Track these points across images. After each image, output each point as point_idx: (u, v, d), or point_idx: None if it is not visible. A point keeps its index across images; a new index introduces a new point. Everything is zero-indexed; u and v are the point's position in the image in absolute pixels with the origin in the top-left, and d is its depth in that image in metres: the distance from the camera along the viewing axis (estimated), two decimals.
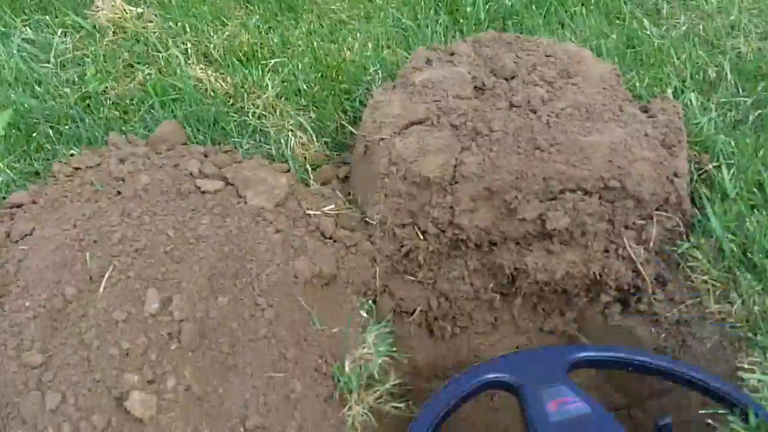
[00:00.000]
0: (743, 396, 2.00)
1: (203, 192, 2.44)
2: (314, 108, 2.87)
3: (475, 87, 2.58)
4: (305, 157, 2.72)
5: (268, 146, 2.73)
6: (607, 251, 2.41)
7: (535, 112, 2.44)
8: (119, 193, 2.45)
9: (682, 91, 2.84)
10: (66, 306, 2.06)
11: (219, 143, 2.76)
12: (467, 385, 2.06)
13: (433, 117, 2.46)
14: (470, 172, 2.32)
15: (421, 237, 2.42)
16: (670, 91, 2.81)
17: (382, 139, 2.43)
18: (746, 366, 2.12)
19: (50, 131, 2.79)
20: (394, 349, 2.31)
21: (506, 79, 2.61)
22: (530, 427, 1.95)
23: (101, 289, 2.09)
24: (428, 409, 1.99)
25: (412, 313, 2.56)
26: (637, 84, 2.86)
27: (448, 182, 2.34)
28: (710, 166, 2.54)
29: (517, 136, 2.37)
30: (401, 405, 2.20)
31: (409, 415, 2.23)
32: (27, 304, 2.07)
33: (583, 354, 2.15)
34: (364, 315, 2.34)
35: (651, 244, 2.39)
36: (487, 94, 2.55)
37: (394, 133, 2.44)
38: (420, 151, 2.37)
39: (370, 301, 2.43)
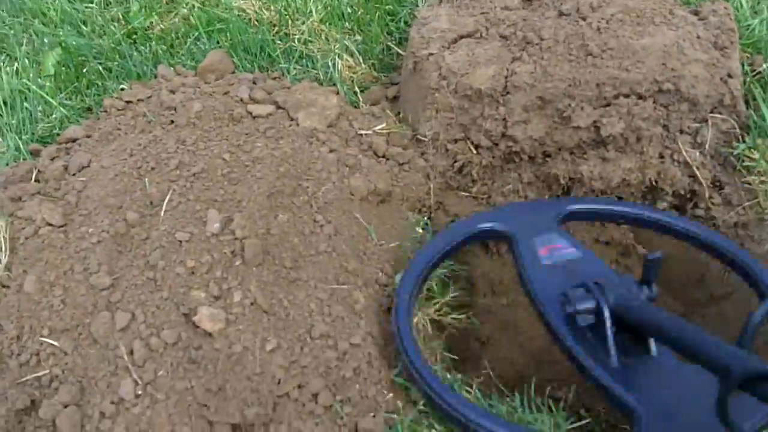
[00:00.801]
0: (741, 252, 2.05)
1: (255, 116, 2.46)
2: (359, 30, 2.86)
3: None
4: (353, 80, 2.72)
5: (315, 71, 2.74)
6: (662, 156, 2.39)
7: (585, 19, 2.40)
8: (172, 122, 2.48)
9: None
10: (129, 230, 2.10)
11: (267, 70, 2.77)
12: (460, 233, 2.12)
13: (481, 29, 2.45)
14: (522, 82, 2.30)
15: (474, 151, 2.42)
16: None
17: (431, 54, 2.41)
18: None
19: (99, 68, 2.82)
20: (451, 263, 2.32)
21: None
22: (522, 270, 1.98)
23: (162, 213, 2.13)
24: (421, 255, 2.04)
25: None
26: None
27: (500, 93, 2.33)
28: (764, 67, 2.48)
29: (568, 43, 2.34)
30: (461, 316, 2.22)
31: (467, 326, 2.26)
32: (90, 230, 2.12)
33: (576, 206, 2.20)
34: (420, 231, 2.35)
35: (706, 147, 2.36)
36: (535, 4, 2.53)
37: (443, 47, 2.42)
38: (470, 64, 2.35)
39: (425, 218, 2.44)
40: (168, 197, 2.17)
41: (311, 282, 2.00)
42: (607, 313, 1.69)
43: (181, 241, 2.04)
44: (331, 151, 2.34)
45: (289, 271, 1.99)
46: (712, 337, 1.40)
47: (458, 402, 1.69)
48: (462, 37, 2.44)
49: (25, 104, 2.68)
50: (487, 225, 2.14)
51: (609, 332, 1.69)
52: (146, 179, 2.24)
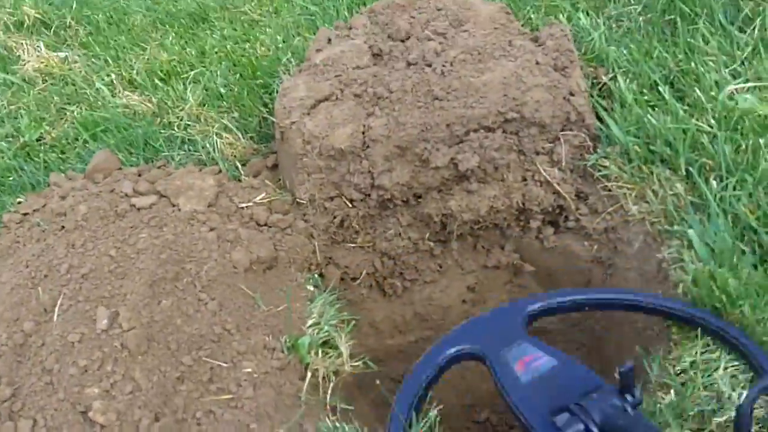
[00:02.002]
0: (706, 313, 2.02)
1: (139, 209, 2.57)
2: (236, 108, 3.00)
3: (373, 54, 2.70)
4: (234, 155, 2.85)
5: (198, 153, 2.87)
6: (524, 179, 2.53)
7: (430, 65, 2.56)
8: (63, 227, 2.59)
9: (577, 11, 2.94)
10: (26, 339, 2.21)
11: (152, 160, 2.89)
12: (433, 364, 2.01)
13: (336, 91, 2.59)
14: (378, 135, 2.44)
15: (350, 205, 2.55)
16: (563, 17, 2.91)
17: (293, 122, 2.55)
18: (667, 256, 2.23)
19: None
20: (344, 313, 2.44)
21: (402, 41, 2.73)
22: (503, 393, 1.91)
23: (55, 317, 2.24)
24: (402, 399, 1.95)
25: (358, 278, 2.69)
26: (533, 16, 2.97)
27: (360, 149, 2.47)
28: (606, 78, 2.65)
29: (415, 91, 2.49)
30: (358, 363, 2.32)
31: (373, 372, 2.36)
32: None
33: (536, 305, 2.13)
34: (311, 289, 2.47)
35: (563, 163, 2.51)
36: (385, 58, 2.68)
37: (304, 114, 2.56)
38: (329, 126, 2.49)
39: (316, 275, 2.56)
40: (59, 302, 2.28)
41: (197, 359, 2.11)
42: None
43: (73, 342, 2.15)
44: (211, 229, 2.46)
45: (173, 353, 2.10)
46: None
47: None
48: (319, 101, 2.58)
49: None
50: (455, 349, 2.03)
51: None
52: (39, 288, 2.34)
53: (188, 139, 2.92)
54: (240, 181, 2.75)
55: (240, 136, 2.91)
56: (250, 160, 2.85)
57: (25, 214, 2.75)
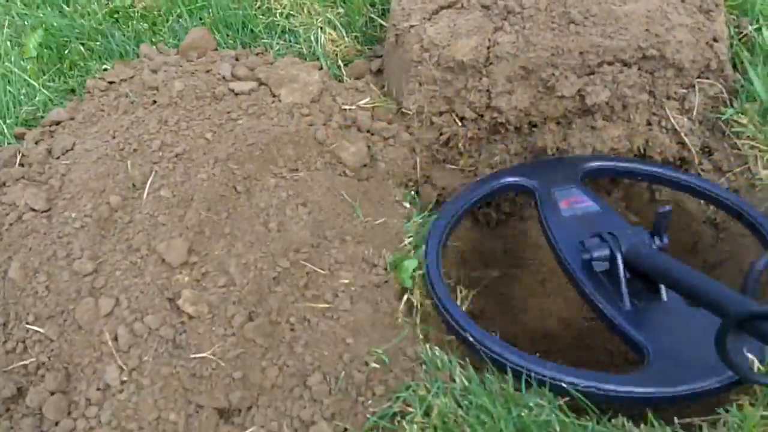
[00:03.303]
0: (752, 208, 2.15)
1: (237, 94, 2.43)
2: (342, 3, 2.82)
3: None
4: (336, 54, 2.69)
5: (298, 45, 2.70)
6: (650, 124, 2.36)
7: None
8: (154, 102, 2.45)
9: None
10: (112, 214, 2.09)
11: (250, 46, 2.74)
12: (488, 186, 2.25)
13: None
14: (504, 52, 2.27)
15: (460, 123, 2.39)
16: None
17: (412, 26, 2.38)
18: None
19: (82, 48, 2.79)
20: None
21: None
22: (543, 220, 2.13)
23: (145, 195, 2.11)
24: (450, 206, 2.18)
25: None
26: None
27: (483, 64, 2.29)
28: (750, 29, 2.45)
29: (549, 11, 2.30)
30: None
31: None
32: (73, 215, 2.10)
33: (597, 163, 2.31)
34: (407, 206, 2.33)
35: (694, 113, 2.34)
36: None
37: (424, 18, 2.39)
38: (451, 35, 2.32)
39: (413, 192, 2.42)
40: (150, 179, 2.15)
41: (294, 261, 1.99)
42: (620, 260, 1.86)
43: (164, 224, 2.03)
44: (311, 125, 2.31)
45: (271, 252, 1.98)
46: (716, 282, 1.56)
47: (489, 340, 1.79)
48: (443, 8, 2.41)
49: (8, 88, 2.65)
50: (512, 179, 2.27)
51: (622, 278, 1.86)
52: (129, 161, 2.22)
53: (289, 29, 2.75)
54: (341, 81, 2.59)
55: (344, 33, 2.74)
56: (353, 61, 2.68)
57: (111, 83, 2.62)
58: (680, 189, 2.30)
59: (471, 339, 1.80)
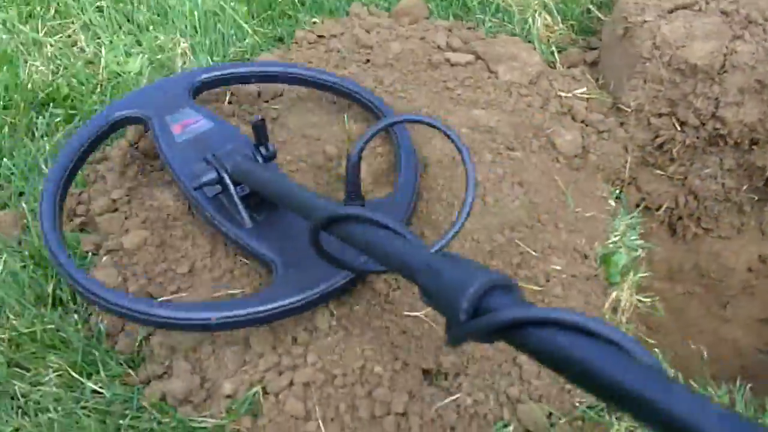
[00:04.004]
0: (363, 89, 2.19)
1: (453, 64, 2.39)
2: None
3: None
4: (549, 39, 2.62)
5: (511, 25, 2.64)
6: None
7: None
8: (368, 61, 2.43)
9: None
10: (326, 163, 2.07)
11: (461, 19, 2.69)
12: (98, 125, 2.04)
13: (700, 1, 2.31)
14: (742, 63, 2.16)
15: (679, 128, 2.29)
16: None
17: (646, 21, 2.29)
18: None
19: None
20: (641, 241, 2.21)
21: None
22: (159, 152, 2.02)
23: None
24: (65, 150, 1.96)
25: (657, 209, 2.44)
26: None
27: (717, 71, 2.19)
28: None
29: None
30: (647, 300, 2.10)
31: (652, 312, 2.15)
32: (288, 158, 2.10)
33: (204, 75, 2.21)
34: (612, 204, 2.25)
35: None
36: None
37: (659, 16, 2.30)
38: (687, 36, 2.22)
39: (617, 191, 2.34)
40: None
41: (509, 239, 1.93)
42: (228, 180, 1.81)
43: None
44: (528, 106, 2.25)
45: (486, 227, 1.93)
46: (303, 189, 1.55)
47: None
48: (679, 7, 2.31)
49: (219, 26, 2.67)
50: (121, 113, 2.09)
51: (235, 197, 1.81)
52: (345, 114, 2.20)
53: (504, 8, 2.69)
54: (553, 67, 2.52)
55: (560, 20, 2.66)
56: (566, 49, 2.61)
57: (320, 36, 2.61)
58: (292, 82, 2.27)
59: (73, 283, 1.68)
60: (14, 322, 1.79)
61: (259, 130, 1.85)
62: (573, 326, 0.80)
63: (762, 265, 2.55)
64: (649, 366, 0.74)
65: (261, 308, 1.64)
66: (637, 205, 2.40)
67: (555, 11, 2.67)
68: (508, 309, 0.85)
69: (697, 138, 2.30)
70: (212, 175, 1.81)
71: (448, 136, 1.72)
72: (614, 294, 1.95)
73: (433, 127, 1.78)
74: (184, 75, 2.24)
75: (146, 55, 2.60)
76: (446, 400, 1.65)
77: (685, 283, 2.56)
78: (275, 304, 1.65)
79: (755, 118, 2.22)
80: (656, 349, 2.04)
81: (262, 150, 1.89)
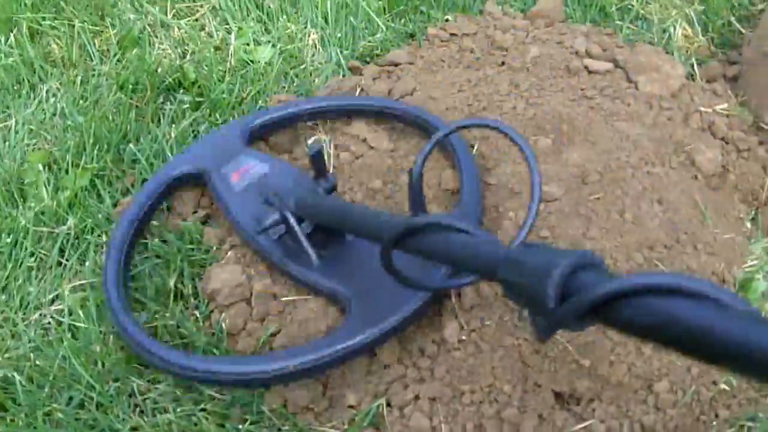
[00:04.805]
0: (428, 115, 2.15)
1: (591, 72, 2.35)
2: (702, 0, 2.68)
3: None
4: (688, 51, 2.55)
5: (650, 34, 2.59)
6: None
7: None
8: (503, 63, 2.41)
9: None
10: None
11: (599, 24, 2.64)
12: (155, 187, 2.05)
13: None
14: None
15: None
16: None
17: None
18: None
19: None
20: None
21: None
22: (220, 204, 2.03)
23: None
24: (125, 216, 1.97)
25: None
26: None
27: None
28: None
29: None
30: None
31: None
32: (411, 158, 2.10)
33: (258, 121, 2.20)
34: (749, 225, 2.18)
35: None
36: None
37: None
38: None
39: (754, 211, 2.27)
40: None
41: (648, 259, 1.90)
42: (291, 219, 1.79)
43: (516, 193, 1.99)
44: (669, 119, 2.21)
45: (624, 243, 1.89)
46: (368, 210, 1.51)
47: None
48: None
49: (350, 18, 2.68)
50: (178, 171, 2.09)
51: (301, 235, 1.79)
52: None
53: (643, 16, 2.64)
54: (692, 80, 2.46)
55: (699, 32, 2.60)
56: (706, 62, 2.54)
57: (453, 35, 2.60)
58: (348, 114, 2.28)
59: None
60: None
61: (317, 162, 1.84)
62: (668, 288, 0.75)
63: None
64: (758, 317, 0.70)
65: (340, 346, 1.62)
66: None
67: (696, 22, 2.61)
68: (597, 285, 0.80)
69: None
70: (275, 216, 1.81)
71: (512, 139, 1.63)
72: None
73: (495, 129, 1.70)
74: (234, 124, 2.23)
75: (276, 45, 2.63)
76: (578, 426, 1.63)
77: None
78: (350, 342, 1.62)
79: None
80: None
81: (322, 182, 1.88)
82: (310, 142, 2.24)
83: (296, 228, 1.80)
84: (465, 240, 1.15)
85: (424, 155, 1.67)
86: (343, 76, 2.53)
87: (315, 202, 1.77)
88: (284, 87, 2.49)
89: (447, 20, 2.68)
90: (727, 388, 1.71)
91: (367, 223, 1.45)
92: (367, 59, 2.61)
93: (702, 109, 2.29)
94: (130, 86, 2.46)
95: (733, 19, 2.64)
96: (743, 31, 2.59)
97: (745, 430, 1.66)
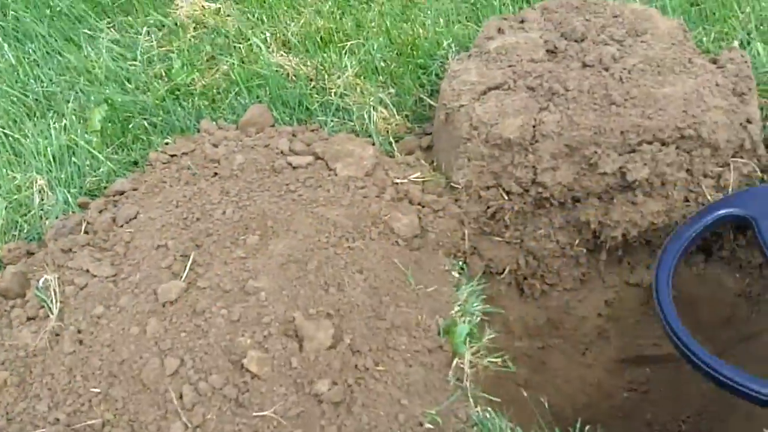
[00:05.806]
0: None
1: (295, 167, 2.57)
2: (393, 84, 2.98)
3: (548, 50, 2.66)
4: (387, 131, 2.84)
5: (351, 123, 2.86)
6: (687, 200, 2.47)
7: (607, 70, 2.51)
8: (216, 174, 2.60)
9: (749, 42, 2.88)
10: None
11: (305, 122, 2.89)
12: (701, 222, 2.32)
13: (509, 81, 2.55)
14: (549, 131, 2.40)
15: (506, 197, 2.51)
16: (736, 43, 2.85)
17: (462, 105, 2.52)
18: None
19: (144, 123, 2.95)
20: (487, 306, 2.40)
21: (577, 41, 2.68)
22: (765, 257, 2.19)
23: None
24: (668, 251, 2.28)
25: (501, 273, 2.65)
26: (704, 39, 2.91)
27: (529, 142, 2.43)
28: None
29: (592, 93, 2.44)
30: (497, 360, 2.28)
31: (505, 369, 2.31)
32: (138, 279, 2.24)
33: None
34: (456, 275, 2.44)
35: (729, 190, 2.45)
36: (560, 56, 2.63)
37: (473, 99, 2.53)
38: (499, 114, 2.46)
39: (460, 262, 2.53)
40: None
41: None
42: None
43: (228, 291, 2.15)
44: (365, 197, 2.45)
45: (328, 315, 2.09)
46: None
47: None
48: (491, 89, 2.55)
49: (74, 159, 2.80)
50: (723, 211, 2.33)
51: None
52: (191, 229, 2.35)
53: (343, 108, 2.91)
54: (392, 156, 2.73)
55: (395, 112, 2.89)
56: (403, 138, 2.83)
57: (172, 156, 2.77)
58: None
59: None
60: None
61: None
62: None
63: (610, 310, 2.78)
64: None
65: None
66: (484, 273, 2.60)
67: (390, 104, 2.90)
68: None
69: (524, 203, 2.53)
70: None
71: None
72: (455, 362, 2.12)
73: None
74: None
75: (4, 197, 2.71)
76: None
77: (542, 337, 2.77)
78: None
79: (571, 178, 2.45)
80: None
81: None
82: None
83: None
84: None
85: None
86: (73, 212, 2.64)
87: None
88: (15, 235, 2.58)
89: (167, 143, 2.85)
90: (432, 427, 1.90)
91: None
92: (96, 193, 2.74)
93: (397, 180, 2.56)
94: None
95: (423, 95, 2.95)
96: (433, 103, 2.89)
97: None
